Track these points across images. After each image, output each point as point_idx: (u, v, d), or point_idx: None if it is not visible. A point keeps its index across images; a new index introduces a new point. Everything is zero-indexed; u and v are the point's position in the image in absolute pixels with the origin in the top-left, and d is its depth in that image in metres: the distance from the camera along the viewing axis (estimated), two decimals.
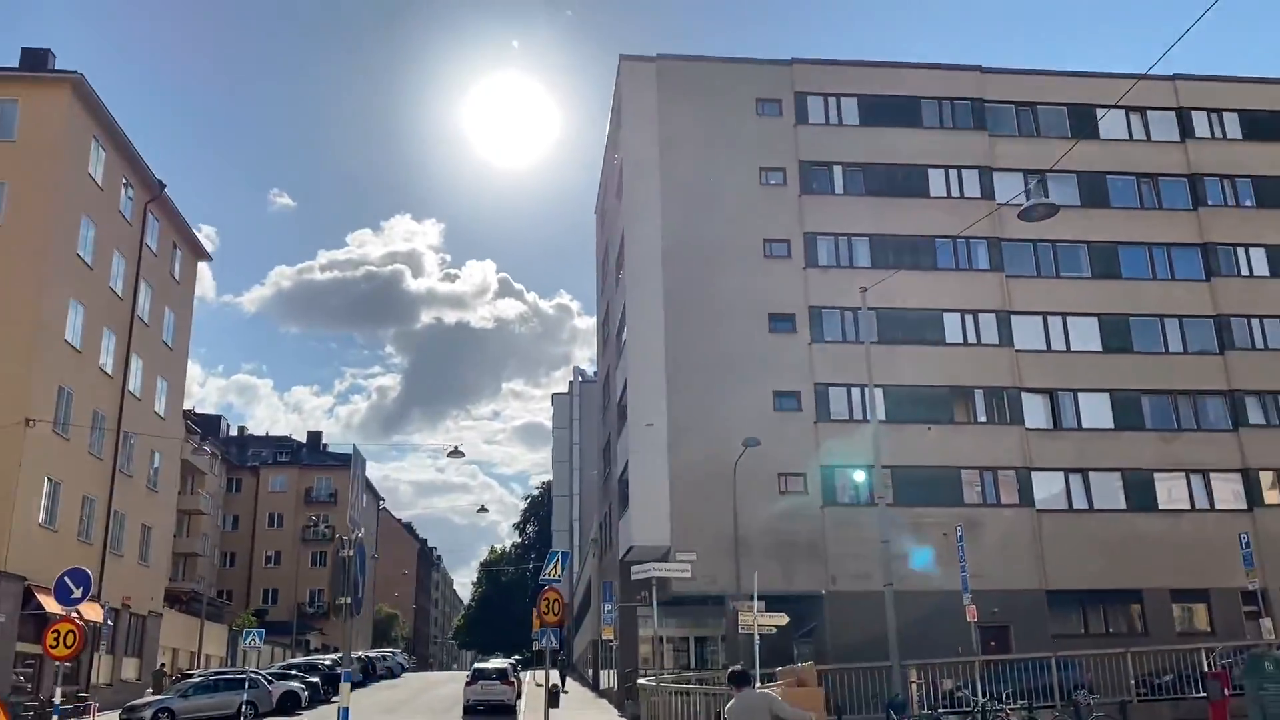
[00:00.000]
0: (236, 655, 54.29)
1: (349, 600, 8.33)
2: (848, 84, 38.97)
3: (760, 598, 21.99)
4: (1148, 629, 33.61)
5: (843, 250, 37.04)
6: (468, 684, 33.77)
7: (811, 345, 35.51)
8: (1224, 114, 40.40)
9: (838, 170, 38.03)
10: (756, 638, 20.53)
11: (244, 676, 32.08)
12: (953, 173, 38.15)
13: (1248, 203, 39.49)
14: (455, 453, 33.25)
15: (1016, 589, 33.16)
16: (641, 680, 23.78)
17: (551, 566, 19.97)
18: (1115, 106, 36.71)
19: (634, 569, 26.09)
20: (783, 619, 23.19)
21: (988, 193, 37.45)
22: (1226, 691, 19.09)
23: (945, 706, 22.13)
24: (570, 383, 71.97)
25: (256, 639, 33.10)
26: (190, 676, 36.60)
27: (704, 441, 33.20)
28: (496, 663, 38.16)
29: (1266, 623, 25.89)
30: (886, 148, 38.07)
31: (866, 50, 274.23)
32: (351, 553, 8.37)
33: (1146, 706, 22.51)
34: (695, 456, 33.21)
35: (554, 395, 77.44)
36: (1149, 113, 39.83)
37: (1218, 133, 40.20)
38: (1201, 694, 21.19)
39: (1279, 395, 36.99)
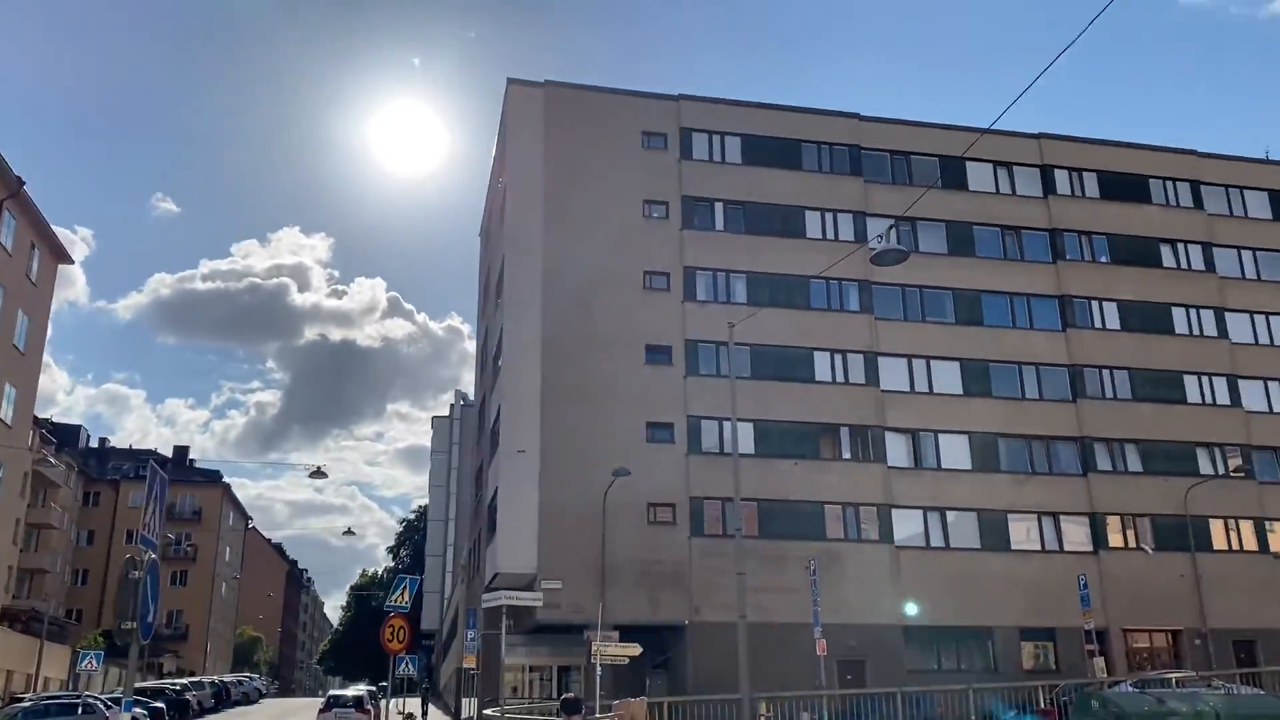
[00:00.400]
0: (79, 679, 51.49)
1: (135, 625, 8.00)
2: (732, 123, 39.66)
3: (624, 627, 22.01)
4: (998, 666, 34.64)
5: (720, 286, 37.56)
6: (321, 711, 33.03)
7: (686, 378, 35.83)
8: (1084, 173, 42.48)
9: (719, 206, 38.61)
10: (598, 668, 20.49)
11: (79, 701, 30.46)
12: (829, 215, 39.15)
13: (1103, 258, 41.55)
14: (318, 473, 32.40)
15: (875, 624, 33.85)
16: (488, 711, 23.48)
17: (399, 593, 19.61)
18: (976, 160, 38.52)
19: (484, 596, 25.80)
20: (634, 649, 23.23)
21: (861, 236, 38.44)
22: None
23: None
24: (451, 406, 70.97)
25: (94, 661, 31.63)
26: (20, 701, 34.54)
27: (575, 470, 33.10)
28: (353, 690, 37.30)
29: (1099, 661, 27.09)
30: (767, 187, 38.85)
31: (750, 92, 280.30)
32: (142, 574, 8.05)
33: None
34: (566, 485, 33.09)
35: (434, 418, 76.34)
36: (1014, 168, 41.69)
37: (1078, 190, 42.25)
38: None
39: (1125, 443, 38.85)
